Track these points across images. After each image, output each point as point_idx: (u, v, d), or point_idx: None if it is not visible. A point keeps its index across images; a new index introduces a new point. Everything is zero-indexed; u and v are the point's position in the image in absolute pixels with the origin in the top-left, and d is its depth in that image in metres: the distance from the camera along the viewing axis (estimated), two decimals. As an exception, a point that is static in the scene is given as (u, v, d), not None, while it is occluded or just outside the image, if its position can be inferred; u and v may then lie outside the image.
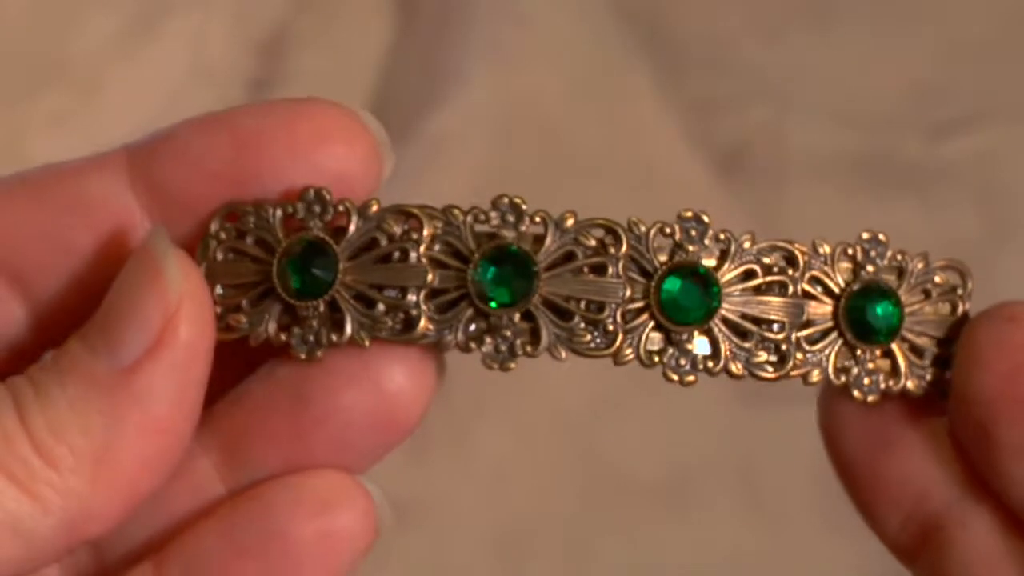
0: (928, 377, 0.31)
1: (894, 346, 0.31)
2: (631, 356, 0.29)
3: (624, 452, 0.64)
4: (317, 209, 0.30)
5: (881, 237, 0.32)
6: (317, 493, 0.30)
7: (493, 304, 0.29)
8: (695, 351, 0.30)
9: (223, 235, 0.30)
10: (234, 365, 0.31)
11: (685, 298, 0.29)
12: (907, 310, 0.31)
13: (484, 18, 0.72)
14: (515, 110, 0.71)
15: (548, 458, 0.64)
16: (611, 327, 0.29)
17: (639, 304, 0.30)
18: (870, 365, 0.31)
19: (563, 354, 0.29)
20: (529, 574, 0.64)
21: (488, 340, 0.29)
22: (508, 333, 0.29)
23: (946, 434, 0.31)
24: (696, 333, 0.30)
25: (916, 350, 0.31)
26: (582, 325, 0.29)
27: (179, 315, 0.28)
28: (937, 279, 0.32)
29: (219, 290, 0.30)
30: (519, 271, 0.29)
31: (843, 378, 0.30)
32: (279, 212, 0.30)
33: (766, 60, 0.74)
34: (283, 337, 0.30)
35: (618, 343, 0.29)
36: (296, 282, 0.30)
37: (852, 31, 0.75)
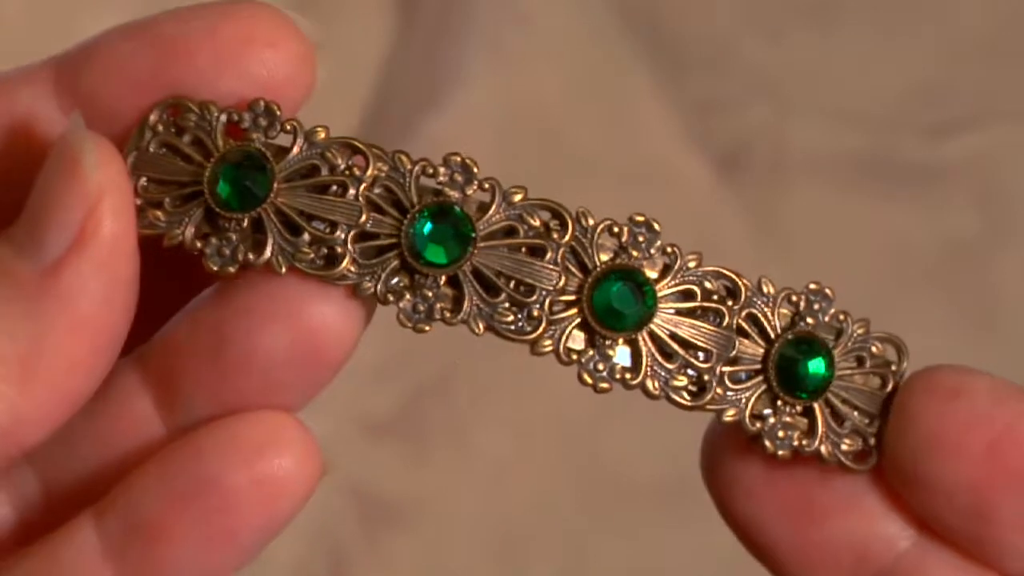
0: (843, 447, 0.29)
1: (816, 406, 0.29)
2: (549, 348, 0.28)
3: (624, 454, 0.64)
4: (263, 123, 0.29)
5: (828, 292, 0.30)
6: (251, 436, 0.29)
7: (425, 260, 0.28)
8: (615, 359, 0.29)
9: (160, 128, 0.29)
10: (172, 291, 0.30)
11: (620, 303, 0.28)
12: (837, 373, 0.30)
13: (484, 18, 0.72)
14: (515, 110, 0.71)
15: (548, 460, 0.64)
16: (536, 313, 0.28)
17: (570, 297, 0.29)
18: (787, 419, 0.29)
19: (480, 328, 0.28)
20: (529, 575, 0.64)
21: (408, 297, 0.28)
22: (429, 294, 0.28)
23: (869, 490, 0.30)
24: (621, 341, 0.29)
25: (837, 416, 0.30)
26: (507, 304, 0.28)
27: (100, 208, 0.27)
28: (873, 349, 0.30)
29: (143, 182, 0.29)
30: (457, 233, 0.28)
31: (757, 424, 0.29)
32: (223, 117, 0.29)
33: (766, 60, 0.74)
34: (199, 244, 0.28)
35: (539, 331, 0.28)
36: (225, 191, 0.28)
37: (852, 31, 0.75)
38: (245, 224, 0.28)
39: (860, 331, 0.30)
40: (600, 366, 0.29)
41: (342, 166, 0.29)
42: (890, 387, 0.30)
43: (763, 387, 0.29)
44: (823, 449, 0.29)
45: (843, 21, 0.75)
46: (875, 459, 0.30)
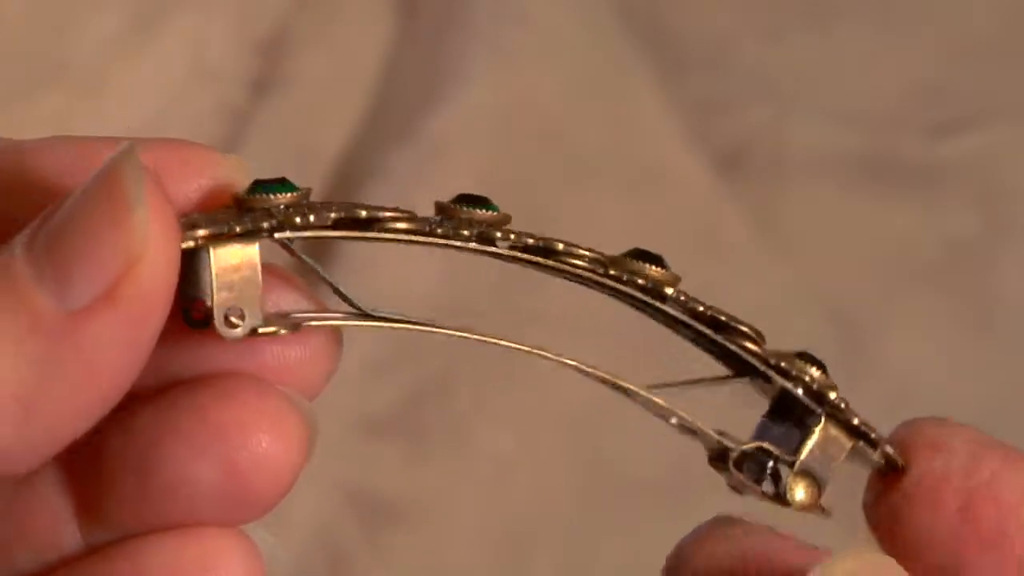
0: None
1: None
2: None
3: (625, 451, 0.64)
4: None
5: None
6: (192, 557, 0.27)
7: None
8: None
9: None
10: None
11: None
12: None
13: (485, 18, 0.72)
14: (515, 110, 0.71)
15: (549, 458, 0.64)
16: None
17: None
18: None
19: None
20: (530, 575, 0.64)
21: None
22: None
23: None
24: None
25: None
26: None
27: (142, 263, 0.25)
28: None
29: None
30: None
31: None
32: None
33: (766, 60, 0.74)
34: (249, 223, 0.27)
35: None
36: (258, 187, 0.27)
37: (852, 31, 0.75)
38: (288, 199, 0.27)
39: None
40: None
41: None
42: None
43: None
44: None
45: (843, 21, 0.75)
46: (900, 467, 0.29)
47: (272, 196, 0.27)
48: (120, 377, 0.26)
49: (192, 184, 0.28)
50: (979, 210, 0.71)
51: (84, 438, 0.27)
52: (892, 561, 0.28)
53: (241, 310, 0.27)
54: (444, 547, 0.64)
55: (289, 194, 0.27)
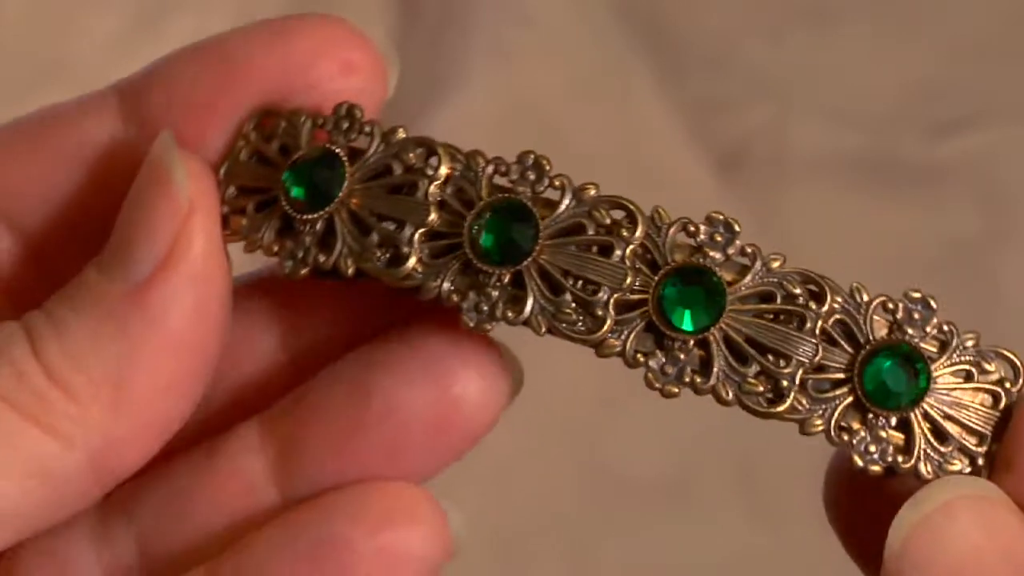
0: (948, 467, 0.27)
1: (913, 420, 0.27)
2: (617, 349, 0.27)
3: (625, 452, 0.64)
4: (345, 125, 0.28)
5: (932, 303, 0.28)
6: (383, 506, 0.28)
7: (487, 258, 0.27)
8: (685, 361, 0.27)
9: (252, 136, 0.29)
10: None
11: (686, 299, 0.27)
12: (938, 385, 0.27)
13: (485, 18, 0.72)
14: (516, 110, 0.71)
15: (548, 458, 0.64)
16: (600, 312, 0.27)
17: (637, 296, 0.27)
18: (882, 433, 0.27)
19: (543, 328, 0.27)
20: (530, 575, 0.64)
21: (471, 295, 0.27)
22: (494, 294, 0.27)
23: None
24: (691, 343, 0.27)
25: (939, 434, 0.27)
26: (572, 304, 0.27)
27: (192, 223, 0.27)
28: (985, 365, 0.28)
29: (232, 191, 0.28)
30: (520, 230, 0.27)
31: (844, 437, 0.27)
32: (309, 123, 0.28)
33: (767, 60, 0.74)
34: (275, 248, 0.28)
35: (604, 331, 0.27)
36: (297, 192, 0.28)
37: (853, 31, 0.75)
38: (318, 226, 0.28)
39: (970, 344, 0.28)
40: (668, 369, 0.27)
41: (415, 164, 0.28)
42: (1003, 405, 0.28)
43: (850, 399, 0.27)
44: (923, 468, 0.27)
45: (843, 21, 0.75)
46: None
47: (303, 217, 0.28)
48: (199, 344, 0.27)
49: (325, 76, 0.29)
50: (979, 210, 0.71)
51: (288, 404, 0.28)
52: (994, 489, 0.27)
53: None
54: (444, 547, 0.64)
55: (320, 216, 0.28)
